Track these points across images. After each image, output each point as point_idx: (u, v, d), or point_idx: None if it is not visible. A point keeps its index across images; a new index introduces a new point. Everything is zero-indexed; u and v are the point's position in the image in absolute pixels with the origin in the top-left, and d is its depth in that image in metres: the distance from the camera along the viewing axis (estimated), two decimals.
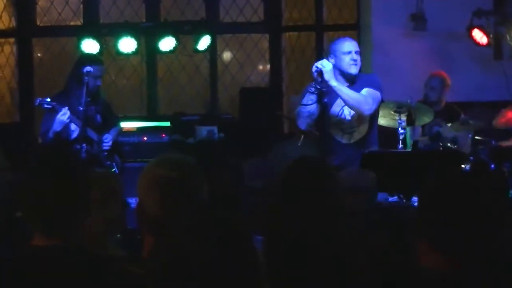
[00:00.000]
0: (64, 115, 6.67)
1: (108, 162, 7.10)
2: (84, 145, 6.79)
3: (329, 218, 2.96)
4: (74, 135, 6.80)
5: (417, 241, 2.29)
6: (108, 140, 7.12)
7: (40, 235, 2.52)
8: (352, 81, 6.19)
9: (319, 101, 6.11)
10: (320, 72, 5.95)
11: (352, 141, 6.24)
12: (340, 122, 6.26)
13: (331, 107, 6.16)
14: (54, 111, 6.70)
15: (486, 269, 2.21)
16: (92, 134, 7.00)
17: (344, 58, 6.11)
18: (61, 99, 6.84)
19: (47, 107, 6.73)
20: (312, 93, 6.05)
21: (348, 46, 6.17)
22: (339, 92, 5.97)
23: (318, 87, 6.01)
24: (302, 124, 6.24)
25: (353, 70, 6.16)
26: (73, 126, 6.77)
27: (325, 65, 5.97)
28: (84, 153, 6.78)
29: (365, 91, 6.10)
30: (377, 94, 6.16)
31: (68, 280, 2.44)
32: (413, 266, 2.31)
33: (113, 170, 7.01)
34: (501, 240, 2.22)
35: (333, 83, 5.96)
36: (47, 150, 3.17)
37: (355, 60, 6.11)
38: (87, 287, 2.44)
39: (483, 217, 2.21)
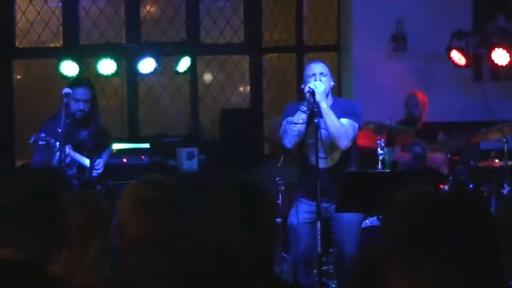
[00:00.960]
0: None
1: (99, 187, 7.04)
2: (75, 172, 6.77)
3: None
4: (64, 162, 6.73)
5: (386, 270, 2.27)
6: (99, 166, 7.08)
7: (7, 248, 2.54)
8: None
9: (309, 121, 6.09)
10: (312, 93, 5.98)
11: (329, 164, 6.20)
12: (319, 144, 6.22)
13: (320, 129, 6.09)
14: (49, 146, 6.62)
15: None
16: (84, 162, 6.94)
17: (309, 80, 6.16)
18: (52, 130, 6.69)
19: (41, 144, 6.63)
20: (304, 112, 6.06)
21: (311, 69, 6.26)
22: (326, 116, 5.98)
23: (310, 107, 6.02)
24: (289, 142, 6.19)
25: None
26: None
27: (318, 86, 6.00)
28: (75, 179, 6.78)
29: (346, 122, 6.11)
30: (356, 125, 6.18)
31: None
32: None
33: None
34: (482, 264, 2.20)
35: (323, 105, 5.98)
36: (28, 170, 3.18)
37: (319, 80, 6.14)
38: None
39: (455, 242, 2.18)
